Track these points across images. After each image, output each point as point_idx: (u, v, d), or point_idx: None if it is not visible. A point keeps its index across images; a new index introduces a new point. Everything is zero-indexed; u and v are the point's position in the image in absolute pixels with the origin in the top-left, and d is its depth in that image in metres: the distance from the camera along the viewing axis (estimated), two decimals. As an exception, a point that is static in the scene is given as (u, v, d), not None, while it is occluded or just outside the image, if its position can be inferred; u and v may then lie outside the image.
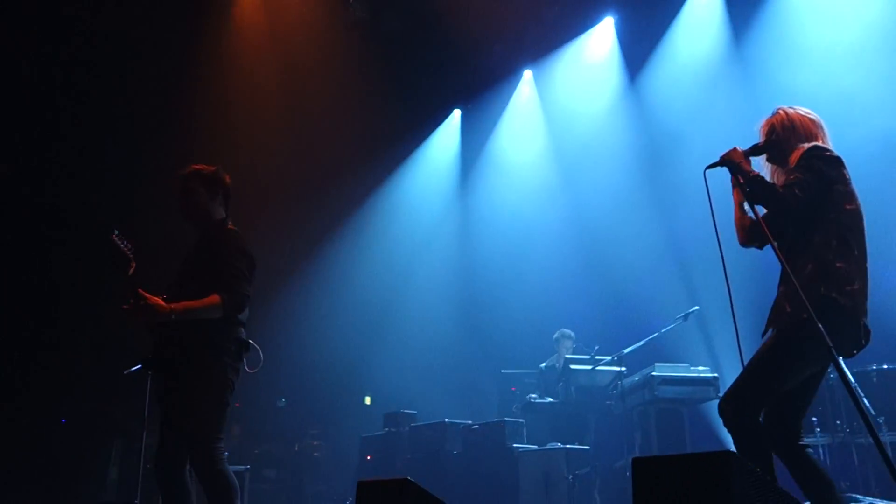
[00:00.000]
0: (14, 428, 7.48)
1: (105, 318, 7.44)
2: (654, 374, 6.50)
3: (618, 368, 6.91)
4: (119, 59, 7.93)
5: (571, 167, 9.48)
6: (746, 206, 3.33)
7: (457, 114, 10.80)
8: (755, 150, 3.48)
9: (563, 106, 9.67)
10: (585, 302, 8.84)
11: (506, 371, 8.51)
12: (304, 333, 9.48)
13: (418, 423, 7.71)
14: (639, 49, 8.95)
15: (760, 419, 3.14)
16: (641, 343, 6.87)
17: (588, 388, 7.27)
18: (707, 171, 3.43)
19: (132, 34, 7.85)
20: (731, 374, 7.28)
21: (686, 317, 6.70)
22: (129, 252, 3.95)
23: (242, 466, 7.10)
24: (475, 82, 9.96)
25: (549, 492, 6.28)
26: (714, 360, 7.56)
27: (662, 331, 6.83)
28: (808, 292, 2.92)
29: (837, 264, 3.07)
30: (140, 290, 3.82)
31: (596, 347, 7.26)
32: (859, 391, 4.96)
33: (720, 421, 3.15)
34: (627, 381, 6.79)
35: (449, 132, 10.84)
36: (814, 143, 3.33)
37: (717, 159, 3.43)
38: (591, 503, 6.57)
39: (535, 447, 6.91)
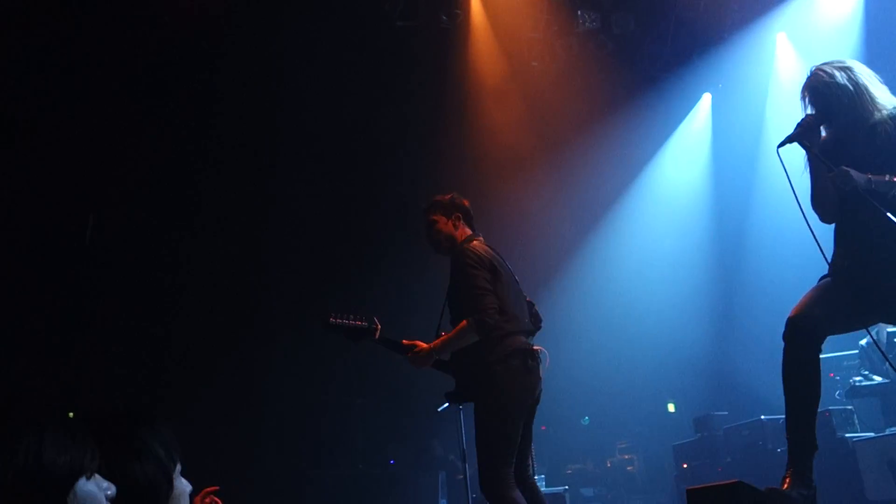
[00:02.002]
0: (354, 473, 8.30)
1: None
2: None
3: None
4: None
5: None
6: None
7: (707, 97, 10.29)
8: None
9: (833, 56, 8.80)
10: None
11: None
12: (591, 348, 9.48)
13: (733, 424, 7.32)
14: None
15: None
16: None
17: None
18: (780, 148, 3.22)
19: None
20: None
21: None
22: (360, 322, 4.00)
23: (561, 487, 7.24)
24: (721, 62, 9.44)
25: (900, 482, 5.62)
26: None
27: None
28: None
29: None
30: (404, 342, 3.96)
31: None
32: None
33: None
34: None
35: (700, 117, 10.37)
36: None
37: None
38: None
39: (871, 434, 6.24)
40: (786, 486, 2.82)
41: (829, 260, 3.25)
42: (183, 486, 2.06)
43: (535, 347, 3.97)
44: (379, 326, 4.07)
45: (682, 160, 10.45)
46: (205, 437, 7.02)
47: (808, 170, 3.31)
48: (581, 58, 8.87)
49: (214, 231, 8.12)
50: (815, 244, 3.03)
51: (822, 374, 7.98)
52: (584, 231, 10.22)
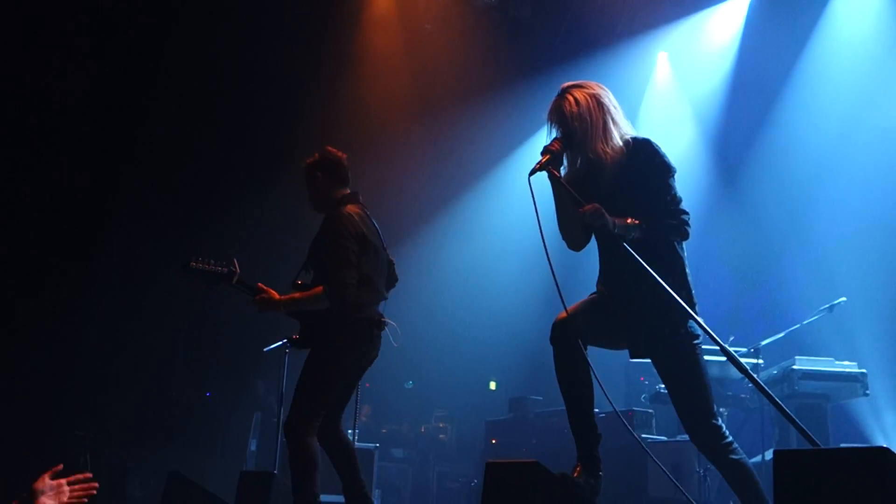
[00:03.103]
0: (166, 402, 8.03)
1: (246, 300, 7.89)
2: (794, 367, 6.17)
3: (754, 361, 6.59)
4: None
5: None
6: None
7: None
8: None
9: (703, 85, 9.29)
10: (717, 288, 8.52)
11: (634, 360, 8.29)
12: (430, 317, 9.61)
13: (544, 410, 7.68)
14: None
15: None
16: (781, 335, 6.53)
17: (721, 380, 6.97)
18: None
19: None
20: (878, 370, 6.82)
21: (831, 308, 6.31)
22: (221, 267, 4.04)
23: (371, 444, 7.35)
24: (604, 67, 9.76)
25: (679, 485, 6.11)
26: (856, 354, 7.03)
27: (804, 322, 6.46)
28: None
29: None
30: (259, 285, 4.04)
31: (731, 338, 6.96)
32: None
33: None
34: (765, 374, 6.48)
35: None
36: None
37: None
38: (722, 498, 6.35)
39: (664, 438, 6.75)
40: (576, 473, 3.01)
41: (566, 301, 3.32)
42: None
43: (383, 319, 4.14)
44: (238, 270, 4.08)
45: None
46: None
47: (554, 197, 3.28)
48: (474, 31, 8.93)
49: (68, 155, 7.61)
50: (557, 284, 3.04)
51: (633, 377, 8.46)
52: (446, 201, 10.30)
